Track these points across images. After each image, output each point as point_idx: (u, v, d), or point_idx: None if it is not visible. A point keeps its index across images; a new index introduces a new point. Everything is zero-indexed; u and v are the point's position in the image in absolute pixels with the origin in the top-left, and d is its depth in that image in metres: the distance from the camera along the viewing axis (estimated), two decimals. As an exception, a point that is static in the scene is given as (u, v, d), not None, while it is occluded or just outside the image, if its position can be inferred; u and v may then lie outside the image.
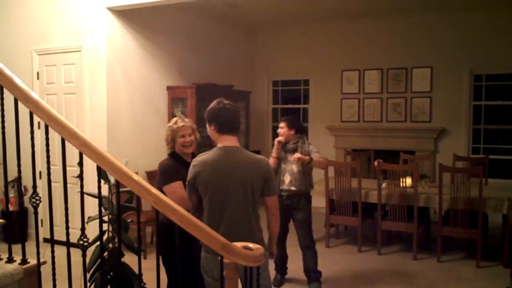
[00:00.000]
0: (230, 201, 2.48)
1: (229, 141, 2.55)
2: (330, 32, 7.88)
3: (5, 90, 2.21)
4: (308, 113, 8.29)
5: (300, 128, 4.39)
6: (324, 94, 8.00)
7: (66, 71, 5.52)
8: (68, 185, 2.27)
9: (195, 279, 2.73)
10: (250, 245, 2.09)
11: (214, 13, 6.86)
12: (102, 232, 2.28)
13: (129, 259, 2.53)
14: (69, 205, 2.24)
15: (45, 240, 4.91)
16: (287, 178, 4.26)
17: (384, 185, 5.32)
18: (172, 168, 3.00)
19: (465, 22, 6.95)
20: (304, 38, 8.09)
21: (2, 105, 2.23)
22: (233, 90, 7.10)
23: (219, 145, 2.56)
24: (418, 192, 5.13)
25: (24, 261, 2.29)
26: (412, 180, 5.20)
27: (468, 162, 6.37)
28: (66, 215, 2.21)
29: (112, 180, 2.28)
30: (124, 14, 5.48)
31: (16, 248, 2.31)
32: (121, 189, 2.21)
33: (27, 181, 2.72)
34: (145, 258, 4.87)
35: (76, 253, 2.28)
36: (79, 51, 5.40)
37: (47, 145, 2.21)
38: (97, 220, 2.28)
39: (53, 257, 2.24)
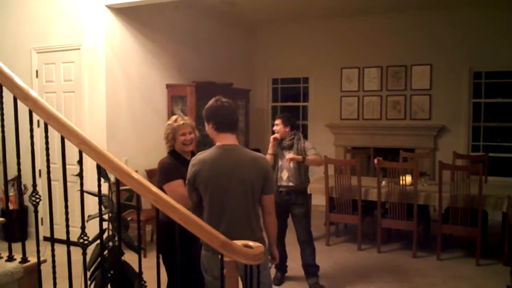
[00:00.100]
0: (230, 199, 2.47)
1: (227, 139, 2.54)
2: (330, 29, 7.87)
3: (4, 89, 2.20)
4: (308, 111, 8.29)
5: (295, 125, 4.45)
6: (324, 91, 8.00)
7: (65, 70, 5.51)
8: (68, 184, 2.26)
9: (195, 277, 2.73)
10: (250, 243, 2.09)
11: (213, 11, 6.85)
12: (102, 231, 2.28)
13: (129, 257, 2.53)
14: (69, 204, 2.24)
15: (45, 238, 4.92)
16: (284, 175, 4.31)
17: (383, 183, 5.32)
18: (172, 167, 3.00)
19: (465, 19, 6.95)
20: (303, 36, 8.08)
21: (2, 103, 2.22)
22: (233, 88, 7.10)
23: (218, 143, 2.55)
24: (418, 190, 5.13)
25: (24, 259, 2.29)
26: (412, 178, 5.20)
27: (468, 159, 6.37)
28: (66, 213, 2.21)
29: (112, 179, 2.28)
30: (123, 12, 5.47)
31: (16, 247, 2.31)
32: (121, 188, 2.21)
33: (26, 179, 2.72)
34: (145, 257, 4.88)
35: (76, 252, 2.28)
36: (78, 49, 5.39)
37: (47, 143, 2.20)
38: (97, 219, 2.28)
39: (53, 256, 2.24)
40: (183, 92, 6.20)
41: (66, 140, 2.14)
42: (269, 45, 8.46)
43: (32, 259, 2.31)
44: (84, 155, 2.11)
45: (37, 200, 2.24)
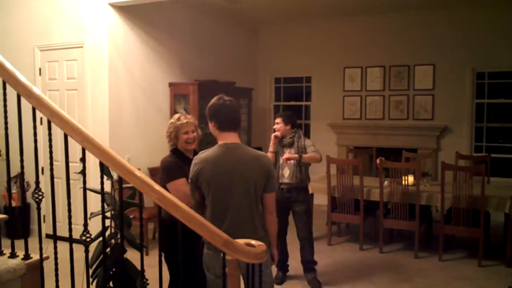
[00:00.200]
0: (233, 198, 2.47)
1: (229, 138, 2.53)
2: (333, 29, 7.86)
3: (7, 86, 2.20)
4: (310, 110, 8.29)
5: (295, 123, 4.50)
6: (326, 91, 7.99)
7: (68, 67, 5.52)
8: (70, 181, 2.26)
9: (197, 276, 2.73)
10: (252, 242, 2.09)
11: (216, 10, 6.85)
12: (104, 228, 2.28)
13: (131, 255, 2.53)
14: (71, 201, 2.24)
15: (47, 235, 4.92)
16: (286, 172, 4.35)
17: (386, 183, 5.31)
18: (175, 165, 2.99)
19: (469, 20, 6.93)
20: (306, 35, 8.08)
21: (5, 100, 2.23)
22: (235, 87, 7.09)
23: (220, 142, 2.55)
24: (420, 190, 5.12)
25: (26, 256, 2.29)
26: (414, 178, 5.19)
27: (470, 160, 6.35)
28: (69, 210, 2.22)
29: (115, 176, 2.28)
30: (126, 10, 5.48)
31: (19, 244, 2.31)
32: (123, 185, 2.21)
33: (29, 177, 2.72)
34: (147, 255, 4.88)
35: (78, 249, 2.28)
36: (81, 47, 5.40)
37: (50, 140, 2.21)
38: (100, 216, 2.28)
39: (55, 253, 2.24)
40: (186, 91, 6.20)
41: (68, 138, 2.14)
42: (271, 44, 8.45)
43: (35, 256, 2.32)
44: (86, 152, 2.12)
45: (40, 197, 2.24)
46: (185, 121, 3.09)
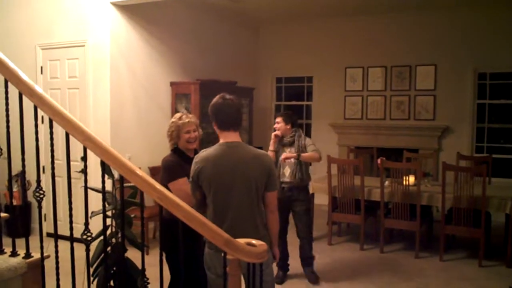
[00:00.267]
0: (234, 197, 2.47)
1: (230, 137, 2.54)
2: (334, 29, 7.86)
3: (9, 84, 2.21)
4: (312, 110, 8.28)
5: (296, 123, 4.52)
6: (328, 91, 7.99)
7: (70, 66, 5.52)
8: (71, 180, 2.26)
9: (198, 275, 2.73)
10: (253, 241, 2.09)
11: (218, 9, 6.85)
12: (105, 227, 2.28)
13: (132, 254, 2.53)
14: (72, 200, 2.24)
15: (48, 234, 4.93)
16: (287, 171, 4.38)
17: (387, 183, 5.31)
18: (176, 165, 3.00)
19: (470, 20, 6.92)
20: (307, 35, 8.07)
21: (7, 99, 2.23)
22: (237, 86, 7.09)
23: (221, 141, 2.55)
24: (421, 191, 5.12)
25: (27, 255, 2.29)
26: (415, 178, 5.19)
27: (471, 160, 6.35)
28: (70, 209, 2.22)
29: (116, 175, 2.28)
30: (128, 9, 5.48)
31: (20, 242, 2.31)
32: (124, 184, 2.21)
33: (30, 175, 2.72)
34: (147, 254, 4.88)
35: (79, 248, 2.28)
36: (83, 46, 5.40)
37: (51, 139, 2.20)
38: (101, 215, 2.28)
39: (56, 252, 2.24)
40: (187, 90, 6.20)
41: (69, 137, 2.14)
42: (273, 43, 8.45)
43: (36, 255, 2.32)
44: (87, 151, 2.12)
45: (41, 196, 2.24)
46: (187, 120, 3.09)
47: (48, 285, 2.35)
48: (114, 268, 2.49)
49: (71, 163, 2.21)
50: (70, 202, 2.22)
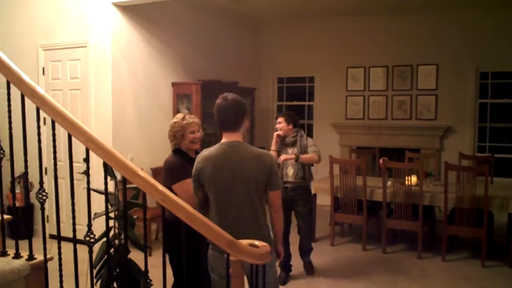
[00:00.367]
0: (234, 197, 2.47)
1: (231, 137, 2.54)
2: (336, 29, 7.85)
3: (12, 86, 2.20)
4: (313, 110, 8.28)
5: (297, 123, 4.55)
6: (329, 91, 7.98)
7: (71, 67, 5.52)
8: (74, 181, 2.26)
9: (202, 276, 2.73)
10: (256, 242, 2.08)
11: (219, 9, 6.85)
12: (108, 229, 2.28)
13: (135, 255, 2.53)
14: (75, 201, 2.24)
15: (51, 236, 4.94)
16: (290, 171, 4.41)
17: (389, 183, 5.30)
18: (179, 166, 2.98)
19: (472, 20, 6.91)
20: (309, 35, 8.06)
21: (9, 100, 2.23)
22: (238, 86, 7.09)
23: (222, 141, 2.56)
24: (423, 191, 5.11)
25: (31, 257, 2.29)
26: (418, 178, 5.18)
27: (473, 160, 6.33)
28: (73, 211, 2.21)
29: (118, 177, 2.28)
30: (130, 10, 5.48)
31: (23, 244, 2.32)
32: (127, 186, 2.21)
33: (32, 177, 2.72)
34: (150, 255, 4.87)
35: (82, 250, 2.28)
36: (85, 46, 5.40)
37: (54, 141, 2.20)
38: (103, 217, 2.28)
39: (59, 253, 2.24)
40: (189, 91, 6.20)
41: (72, 138, 2.14)
42: (274, 44, 8.44)
43: (39, 257, 2.32)
44: (90, 152, 2.12)
45: (44, 198, 2.24)
46: (191, 120, 3.09)
47: (51, 287, 2.35)
48: (117, 270, 2.49)
49: (74, 164, 2.21)
50: (72, 204, 2.22)
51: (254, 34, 8.43)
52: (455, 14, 6.98)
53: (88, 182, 2.20)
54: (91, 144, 2.08)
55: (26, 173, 2.29)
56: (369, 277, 4.62)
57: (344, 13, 7.43)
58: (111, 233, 2.41)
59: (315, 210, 5.71)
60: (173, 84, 6.29)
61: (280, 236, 2.72)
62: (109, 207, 2.30)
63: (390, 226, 5.41)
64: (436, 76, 7.21)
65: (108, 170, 2.19)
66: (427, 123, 7.27)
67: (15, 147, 2.26)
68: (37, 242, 2.40)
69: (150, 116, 5.90)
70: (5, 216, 2.72)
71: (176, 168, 2.98)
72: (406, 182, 5.13)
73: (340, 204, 5.55)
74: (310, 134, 7.87)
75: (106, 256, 2.34)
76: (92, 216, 2.27)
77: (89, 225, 2.21)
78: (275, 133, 4.48)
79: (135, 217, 2.66)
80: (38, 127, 2.21)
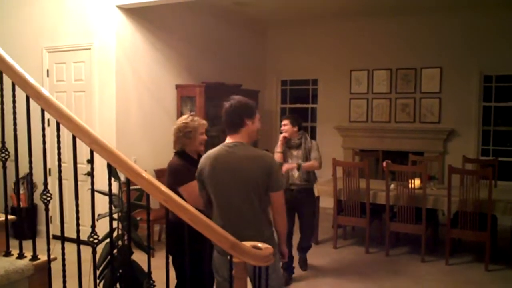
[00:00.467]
0: (234, 197, 2.47)
1: (231, 138, 2.57)
2: (339, 32, 7.85)
3: (17, 88, 2.22)
4: (317, 113, 8.28)
5: (301, 126, 4.64)
6: (333, 94, 7.98)
7: (76, 69, 5.55)
8: (78, 183, 2.27)
9: (205, 278, 2.73)
10: (259, 244, 2.09)
11: (223, 12, 6.86)
12: (112, 230, 2.29)
13: (138, 257, 2.54)
14: (79, 202, 2.25)
15: (54, 236, 4.94)
16: (295, 173, 4.47)
17: (392, 186, 5.30)
18: (185, 168, 2.96)
19: (475, 22, 6.89)
20: (312, 38, 8.07)
21: (14, 102, 2.24)
22: (242, 89, 7.09)
23: (225, 142, 2.58)
24: (427, 194, 5.10)
25: (34, 257, 2.31)
26: (421, 182, 5.17)
27: (477, 164, 6.31)
28: (77, 212, 2.23)
29: (122, 178, 2.29)
30: (134, 12, 5.50)
31: (26, 245, 2.33)
32: (131, 187, 2.22)
33: (37, 178, 2.73)
34: (153, 256, 4.88)
35: (86, 250, 2.29)
36: (89, 49, 5.43)
37: (58, 142, 2.22)
38: (107, 218, 2.29)
39: (63, 254, 2.25)
40: (193, 93, 6.21)
41: (76, 139, 2.15)
42: (278, 46, 8.45)
43: (42, 257, 2.33)
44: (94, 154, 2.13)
45: (48, 199, 2.26)
46: (202, 122, 3.11)
47: (54, 287, 2.36)
48: (120, 271, 2.50)
49: (78, 165, 2.22)
50: (76, 205, 2.23)
51: (258, 37, 8.44)
52: (459, 16, 6.97)
53: (92, 183, 2.21)
54: (96, 145, 2.09)
55: (30, 174, 2.31)
56: (372, 280, 4.61)
57: (347, 16, 7.43)
58: (115, 234, 2.42)
59: (318, 213, 5.71)
60: (177, 87, 6.31)
61: (284, 237, 2.72)
62: (113, 208, 2.31)
63: (393, 229, 5.40)
64: (439, 79, 7.19)
65: (112, 172, 2.20)
66: (430, 126, 7.26)
67: (19, 148, 2.27)
68: (41, 243, 2.41)
69: (153, 118, 5.92)
70: (9, 217, 2.74)
71: (181, 171, 2.97)
72: (410, 185, 5.12)
73: (343, 206, 5.55)
74: (313, 137, 7.87)
75: (109, 257, 2.35)
76: (96, 217, 2.28)
77: (93, 226, 2.23)
78: (281, 135, 4.55)
79: (138, 218, 2.66)
80: (43, 129, 2.23)
